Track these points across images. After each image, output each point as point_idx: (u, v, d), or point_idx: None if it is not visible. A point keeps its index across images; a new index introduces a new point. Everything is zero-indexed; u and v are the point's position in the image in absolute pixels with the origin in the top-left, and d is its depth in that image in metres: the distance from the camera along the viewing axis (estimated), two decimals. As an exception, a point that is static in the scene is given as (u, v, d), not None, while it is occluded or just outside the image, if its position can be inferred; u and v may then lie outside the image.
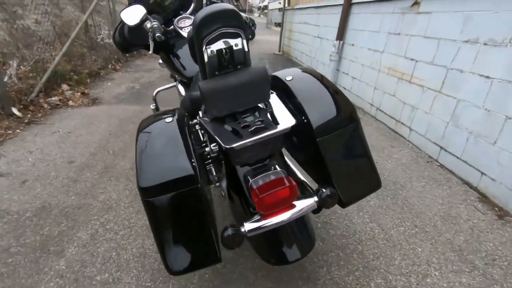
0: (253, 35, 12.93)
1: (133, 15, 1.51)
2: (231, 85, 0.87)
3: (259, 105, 0.98)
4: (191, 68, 1.60)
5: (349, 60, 4.10)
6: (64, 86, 3.63)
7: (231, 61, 0.91)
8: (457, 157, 2.23)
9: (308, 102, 1.02)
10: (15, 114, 2.77)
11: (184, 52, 1.70)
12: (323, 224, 1.66)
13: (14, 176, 1.96)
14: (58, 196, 1.78)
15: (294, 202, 0.95)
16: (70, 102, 3.34)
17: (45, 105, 3.13)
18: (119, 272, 1.31)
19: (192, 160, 0.90)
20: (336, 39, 4.25)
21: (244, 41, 0.89)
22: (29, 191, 1.82)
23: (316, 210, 1.30)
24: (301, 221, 1.04)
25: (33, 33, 3.86)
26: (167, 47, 1.73)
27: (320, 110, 1.00)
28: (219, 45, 0.86)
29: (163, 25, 1.62)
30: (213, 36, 0.83)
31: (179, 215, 0.88)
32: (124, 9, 1.53)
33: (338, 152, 1.00)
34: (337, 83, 4.46)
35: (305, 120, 1.00)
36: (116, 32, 1.72)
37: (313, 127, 0.97)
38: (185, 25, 1.78)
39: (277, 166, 0.97)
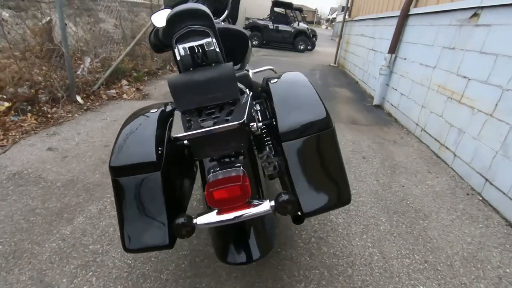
0: (313, 46, 12.86)
1: (162, 18, 1.67)
2: (196, 81, 0.90)
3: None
4: None
5: (399, 75, 3.80)
6: (123, 82, 4.12)
7: (205, 59, 0.94)
8: (504, 193, 1.89)
9: (282, 105, 1.01)
10: (78, 101, 3.25)
11: None
12: (317, 239, 1.57)
13: (60, 151, 2.29)
14: (86, 173, 2.03)
15: (250, 203, 0.93)
16: (125, 96, 3.76)
17: (104, 96, 3.59)
18: (109, 246, 1.43)
19: (160, 148, 0.95)
20: (388, 52, 3.99)
21: (214, 40, 0.91)
22: (66, 165, 2.11)
23: (298, 220, 1.25)
24: (258, 224, 1.01)
25: (108, 35, 4.47)
26: None
27: (292, 114, 0.98)
28: (190, 42, 0.90)
29: None
30: (182, 33, 0.88)
31: (138, 197, 0.94)
32: (154, 12, 1.70)
33: (304, 158, 0.95)
34: (385, 99, 4.16)
35: (275, 123, 0.98)
36: (151, 34, 1.90)
37: (279, 130, 0.95)
38: None
39: (241, 166, 0.96)
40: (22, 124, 2.56)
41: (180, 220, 0.91)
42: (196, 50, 0.93)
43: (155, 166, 0.92)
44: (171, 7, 1.98)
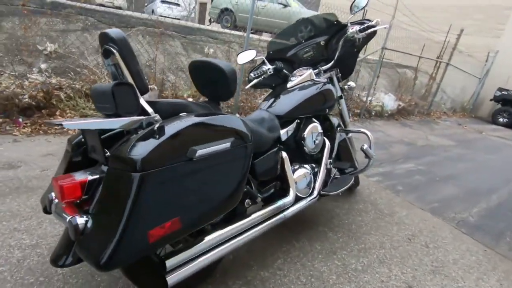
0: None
1: (245, 56, 1.82)
2: (97, 91, 1.01)
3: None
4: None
5: None
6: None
7: (122, 73, 1.02)
8: None
9: (144, 132, 0.97)
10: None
11: (276, 93, 1.78)
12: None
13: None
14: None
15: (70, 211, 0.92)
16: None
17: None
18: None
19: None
20: None
21: (119, 57, 0.97)
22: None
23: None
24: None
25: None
26: (275, 86, 1.89)
27: (133, 143, 0.92)
28: (111, 60, 1.03)
29: (284, 70, 1.82)
30: (102, 50, 1.02)
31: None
32: (241, 52, 1.85)
33: (106, 190, 0.91)
34: None
35: None
36: (251, 71, 1.95)
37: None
38: (297, 74, 1.83)
39: (91, 174, 0.97)
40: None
41: (49, 195, 1.03)
42: (116, 68, 1.04)
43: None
44: (274, 52, 2.05)
